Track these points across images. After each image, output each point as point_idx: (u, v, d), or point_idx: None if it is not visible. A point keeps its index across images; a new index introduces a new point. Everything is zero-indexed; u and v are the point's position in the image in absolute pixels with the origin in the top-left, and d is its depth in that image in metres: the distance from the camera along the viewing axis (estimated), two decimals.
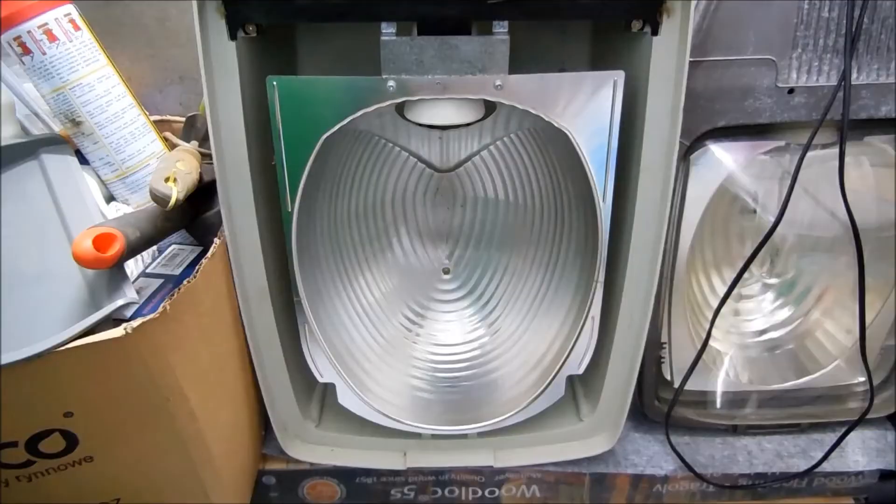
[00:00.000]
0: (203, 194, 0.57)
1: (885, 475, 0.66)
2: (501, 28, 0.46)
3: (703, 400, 0.68)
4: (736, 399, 0.69)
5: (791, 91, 0.53)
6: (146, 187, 0.57)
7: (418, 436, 0.64)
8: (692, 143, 0.54)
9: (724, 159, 0.56)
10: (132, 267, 0.57)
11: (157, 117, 0.70)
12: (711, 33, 0.51)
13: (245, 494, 0.65)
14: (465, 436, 0.65)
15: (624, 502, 0.68)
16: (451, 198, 0.66)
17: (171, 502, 0.55)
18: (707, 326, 0.59)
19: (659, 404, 0.67)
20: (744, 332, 0.69)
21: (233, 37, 0.46)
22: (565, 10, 0.47)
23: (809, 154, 0.52)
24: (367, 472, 0.66)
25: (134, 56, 0.78)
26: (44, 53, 0.56)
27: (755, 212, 0.62)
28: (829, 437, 0.68)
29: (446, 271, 0.69)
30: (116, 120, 0.60)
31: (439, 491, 0.68)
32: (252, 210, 0.52)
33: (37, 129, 0.67)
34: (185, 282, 0.47)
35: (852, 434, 0.65)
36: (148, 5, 0.75)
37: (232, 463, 0.59)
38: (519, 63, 0.47)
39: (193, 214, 0.59)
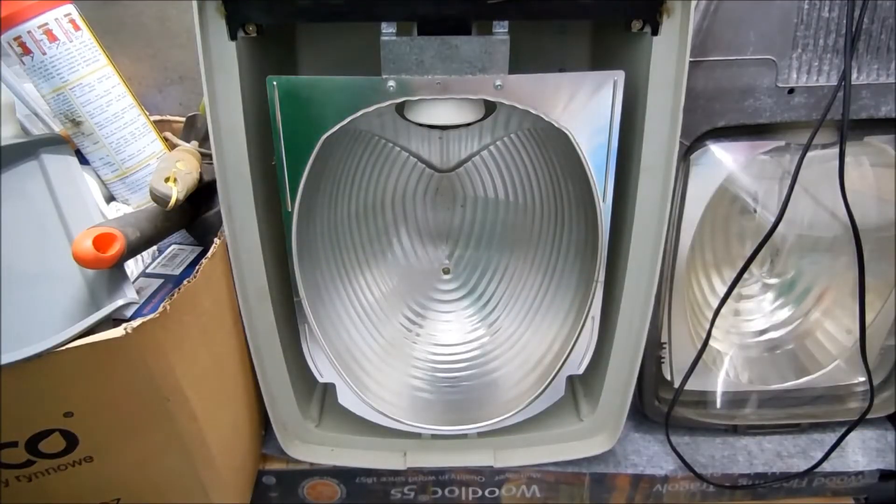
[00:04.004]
0: (203, 194, 0.57)
1: (885, 475, 0.66)
2: (501, 28, 0.46)
3: (703, 400, 0.68)
4: (736, 399, 0.69)
5: (791, 91, 0.53)
6: (146, 187, 0.58)
7: (418, 436, 0.64)
8: (692, 143, 0.54)
9: (724, 159, 0.56)
10: (132, 267, 0.57)
11: (157, 117, 0.70)
12: (711, 33, 0.51)
13: (245, 494, 0.65)
14: (465, 436, 0.65)
15: (624, 502, 0.68)
16: (451, 198, 0.66)
17: (171, 502, 0.55)
18: (707, 326, 0.59)
19: (659, 404, 0.67)
20: (744, 332, 0.69)
21: (233, 37, 0.46)
22: (565, 10, 0.47)
23: (809, 154, 0.52)
24: (367, 472, 0.66)
25: (134, 56, 0.78)
26: (44, 53, 0.56)
27: (755, 212, 0.62)
28: (829, 437, 0.68)
29: (446, 271, 0.69)
30: (116, 120, 0.60)
31: (439, 491, 0.68)
32: (252, 210, 0.52)
33: (37, 129, 0.67)
34: (185, 282, 0.47)
35: (852, 434, 0.65)
36: (148, 5, 0.75)
37: (232, 463, 0.59)
38: (519, 63, 0.47)
39: (193, 214, 0.59)
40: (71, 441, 0.46)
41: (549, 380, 0.60)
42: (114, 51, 0.61)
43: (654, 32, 0.47)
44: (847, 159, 0.52)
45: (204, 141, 0.64)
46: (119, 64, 0.61)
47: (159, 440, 0.50)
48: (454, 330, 0.68)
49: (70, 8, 0.57)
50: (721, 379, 0.67)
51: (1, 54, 0.58)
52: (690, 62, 0.47)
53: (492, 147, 0.62)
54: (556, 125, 0.48)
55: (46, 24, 0.55)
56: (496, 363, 0.66)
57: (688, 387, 0.62)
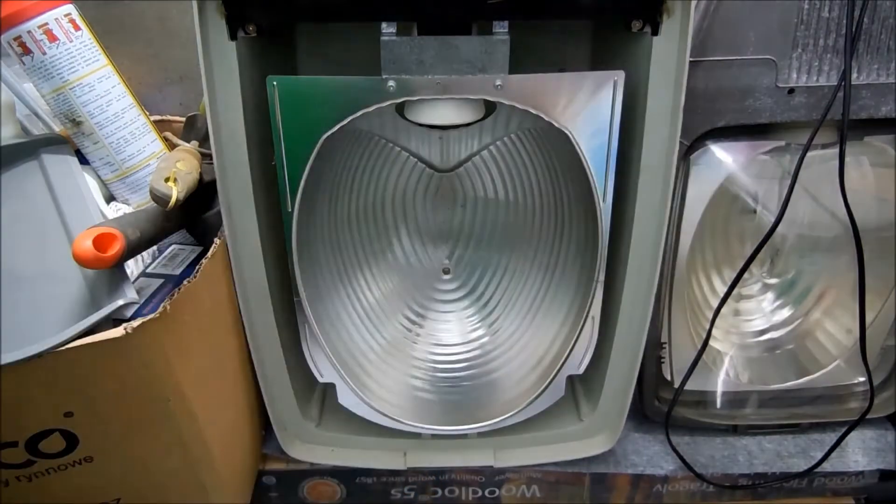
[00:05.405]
0: (203, 194, 0.57)
1: (885, 475, 0.66)
2: (501, 28, 0.46)
3: (703, 400, 0.68)
4: (736, 399, 0.69)
5: (791, 91, 0.53)
6: (146, 187, 0.58)
7: (418, 436, 0.64)
8: (692, 143, 0.54)
9: (724, 159, 0.56)
10: (132, 267, 0.57)
11: (157, 117, 0.70)
12: (711, 33, 0.51)
13: (245, 494, 0.65)
14: (465, 436, 0.65)
15: (624, 502, 0.68)
16: (451, 198, 0.66)
17: (171, 502, 0.55)
18: (707, 326, 0.59)
19: (659, 404, 0.67)
20: (744, 332, 0.69)
21: (233, 37, 0.46)
22: (565, 10, 0.47)
23: (809, 154, 0.52)
24: (367, 472, 0.66)
25: (134, 56, 0.78)
26: (44, 53, 0.56)
27: (755, 212, 0.62)
28: (829, 437, 0.68)
29: (446, 271, 0.69)
30: (116, 120, 0.60)
31: (439, 491, 0.68)
32: (252, 210, 0.52)
33: (37, 129, 0.67)
34: (185, 282, 0.47)
35: (852, 434, 0.65)
36: (148, 5, 0.75)
37: (232, 463, 0.59)
38: (519, 63, 0.47)
39: (193, 214, 0.59)
40: (71, 441, 0.46)
41: (549, 380, 0.60)
42: (114, 51, 0.61)
43: (654, 32, 0.47)
44: (847, 159, 0.52)
45: (204, 141, 0.64)
46: (119, 64, 0.61)
47: (159, 440, 0.50)
48: (454, 330, 0.68)
49: (70, 8, 0.57)
50: (721, 379, 0.67)
51: (1, 54, 0.58)
52: (690, 62, 0.47)
53: (492, 147, 0.62)
54: (556, 125, 0.48)
55: (46, 24, 0.55)
56: (496, 363, 0.66)
57: (688, 387, 0.62)
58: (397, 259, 0.68)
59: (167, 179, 0.50)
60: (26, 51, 0.56)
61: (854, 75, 0.52)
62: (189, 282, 0.47)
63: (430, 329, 0.68)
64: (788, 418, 0.68)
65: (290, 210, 0.51)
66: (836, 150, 0.53)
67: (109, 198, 0.63)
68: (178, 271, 0.57)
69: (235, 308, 0.55)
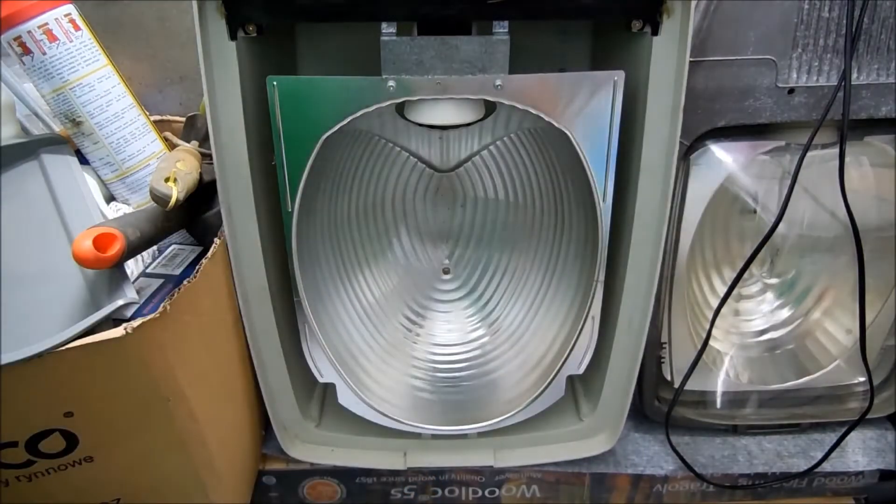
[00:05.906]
0: (203, 194, 0.57)
1: (885, 475, 0.66)
2: (501, 28, 0.46)
3: (703, 400, 0.68)
4: (736, 399, 0.69)
5: (791, 91, 0.53)
6: (146, 187, 0.58)
7: (418, 436, 0.64)
8: (692, 143, 0.54)
9: (725, 159, 0.56)
10: (132, 267, 0.57)
11: (157, 117, 0.70)
12: (711, 33, 0.51)
13: (245, 494, 0.65)
14: (465, 436, 0.65)
15: (624, 502, 0.68)
16: (451, 198, 0.66)
17: (171, 502, 0.55)
18: (707, 326, 0.59)
19: (659, 404, 0.67)
20: (744, 332, 0.69)
21: (233, 37, 0.46)
22: (565, 10, 0.47)
23: (809, 154, 0.52)
24: (367, 472, 0.66)
25: (134, 56, 0.78)
26: (44, 53, 0.56)
27: (755, 212, 0.62)
28: (829, 437, 0.68)
29: (446, 271, 0.69)
30: (116, 120, 0.60)
31: (439, 491, 0.68)
32: (252, 210, 0.52)
33: (37, 129, 0.67)
34: (185, 282, 0.47)
35: (852, 434, 0.65)
36: (148, 5, 0.75)
37: (232, 463, 0.59)
38: (519, 63, 0.47)
39: (193, 214, 0.59)
40: (71, 441, 0.46)
41: (549, 380, 0.60)
42: (114, 51, 0.61)
43: (654, 32, 0.47)
44: (847, 159, 0.52)
45: (204, 141, 0.64)
46: (119, 64, 0.61)
47: (159, 440, 0.50)
48: (454, 330, 0.68)
49: (70, 8, 0.57)
50: (721, 379, 0.67)
51: (1, 54, 0.58)
52: (690, 62, 0.47)
53: (492, 147, 0.62)
54: (556, 125, 0.48)
55: (46, 24, 0.55)
56: (496, 363, 0.66)
57: (688, 387, 0.62)
58: (397, 259, 0.68)
59: (167, 179, 0.50)
60: (26, 51, 0.56)
61: (854, 75, 0.52)
62: (189, 282, 0.47)
63: (430, 329, 0.68)
64: (788, 418, 0.69)
65: (290, 210, 0.51)
66: (836, 150, 0.53)
67: (109, 198, 0.63)
68: (178, 271, 0.57)
69: (235, 308, 0.55)
